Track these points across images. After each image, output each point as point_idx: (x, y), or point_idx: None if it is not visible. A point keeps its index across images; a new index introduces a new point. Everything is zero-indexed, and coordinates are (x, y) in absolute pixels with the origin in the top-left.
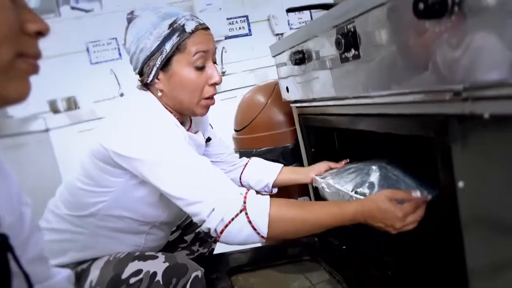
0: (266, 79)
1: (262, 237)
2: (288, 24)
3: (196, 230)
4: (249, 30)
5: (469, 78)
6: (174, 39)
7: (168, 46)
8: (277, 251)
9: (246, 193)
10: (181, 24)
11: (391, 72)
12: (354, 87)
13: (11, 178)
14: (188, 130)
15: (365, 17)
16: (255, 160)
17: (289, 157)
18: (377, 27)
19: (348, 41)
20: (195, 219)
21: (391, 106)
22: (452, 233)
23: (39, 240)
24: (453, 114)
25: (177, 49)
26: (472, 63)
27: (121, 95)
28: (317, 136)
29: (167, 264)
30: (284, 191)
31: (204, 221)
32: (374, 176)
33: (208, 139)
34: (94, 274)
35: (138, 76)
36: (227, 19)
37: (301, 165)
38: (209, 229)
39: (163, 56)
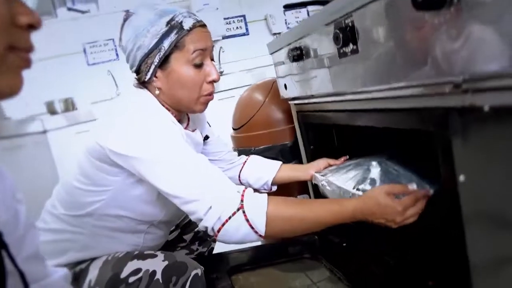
0: (264, 79)
1: (260, 235)
2: (286, 23)
3: (195, 229)
4: (247, 29)
5: (468, 69)
6: (172, 36)
7: (166, 44)
8: (277, 250)
9: (244, 191)
10: (179, 21)
11: (390, 66)
12: (352, 82)
13: (5, 175)
14: (185, 128)
15: (363, 11)
16: (254, 158)
17: (288, 155)
18: (375, 20)
19: (346, 35)
20: (192, 218)
21: (390, 101)
22: (454, 228)
23: (34, 238)
24: (453, 107)
25: (175, 46)
26: (471, 54)
27: (119, 95)
28: (316, 134)
29: (166, 262)
30: (283, 189)
31: (201, 220)
32: (375, 172)
33: (206, 137)
34: (92, 274)
35: (134, 75)
36: (224, 18)
37: (300, 162)
38: (206, 227)
39: (161, 53)
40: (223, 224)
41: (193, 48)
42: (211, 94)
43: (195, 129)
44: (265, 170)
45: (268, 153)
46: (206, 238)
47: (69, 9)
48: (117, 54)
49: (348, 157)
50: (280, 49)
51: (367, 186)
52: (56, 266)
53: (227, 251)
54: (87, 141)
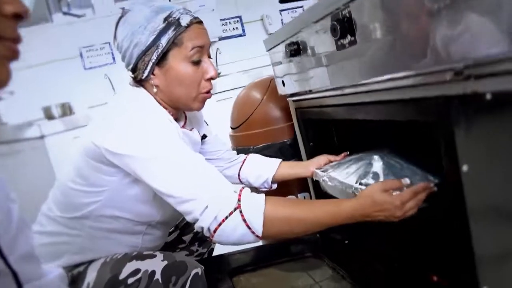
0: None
1: (257, 236)
2: (282, 23)
3: (195, 230)
4: (243, 30)
5: (470, 55)
6: (170, 33)
7: (164, 41)
8: (278, 249)
9: (241, 190)
10: (176, 18)
11: (389, 56)
12: (351, 75)
13: None
14: (183, 127)
15: (360, 1)
16: (253, 156)
17: (287, 152)
18: (373, 10)
19: (344, 27)
20: (188, 218)
21: (390, 92)
22: (458, 220)
23: (28, 238)
24: (454, 95)
25: (173, 43)
26: (472, 40)
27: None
28: (315, 130)
29: (165, 262)
30: (283, 187)
31: (197, 220)
32: (377, 165)
33: (204, 136)
34: (91, 276)
35: (130, 73)
36: (221, 20)
37: (300, 160)
38: (202, 228)
39: (159, 50)
40: (219, 224)
41: (191, 45)
42: (209, 92)
43: (193, 128)
44: (265, 168)
45: (267, 152)
46: (205, 238)
47: (65, 13)
48: (113, 58)
49: (348, 152)
50: (277, 45)
51: (369, 180)
52: None
53: (227, 252)
54: (83, 141)
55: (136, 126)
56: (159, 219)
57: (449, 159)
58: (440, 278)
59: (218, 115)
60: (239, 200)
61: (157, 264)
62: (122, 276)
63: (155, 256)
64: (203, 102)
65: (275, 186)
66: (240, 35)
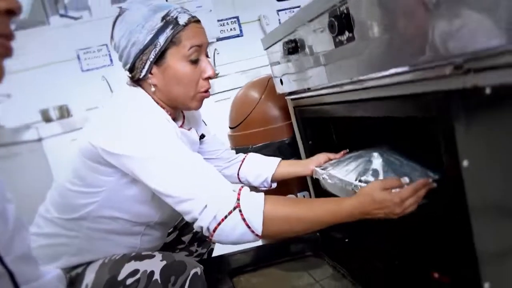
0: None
1: (257, 235)
2: (279, 23)
3: (194, 230)
4: (240, 31)
5: (469, 49)
6: (168, 32)
7: (161, 39)
8: (278, 249)
9: (240, 190)
10: (174, 17)
11: (388, 51)
12: (350, 72)
13: None
14: (181, 126)
15: None
16: (253, 155)
17: (286, 151)
18: (370, 5)
19: (342, 23)
20: (187, 218)
21: (389, 88)
22: (459, 216)
23: (25, 238)
24: (454, 90)
25: (171, 42)
26: (471, 33)
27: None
28: (314, 129)
29: (164, 262)
30: (283, 187)
31: (196, 219)
32: (377, 162)
33: (202, 136)
34: (89, 277)
35: (127, 73)
36: (218, 20)
37: (299, 159)
38: (201, 227)
39: (157, 49)
40: (218, 224)
41: (190, 44)
42: (207, 91)
43: (191, 128)
44: (264, 167)
45: (266, 151)
46: (205, 238)
47: (62, 15)
48: (111, 60)
49: (348, 150)
50: (275, 43)
51: (369, 177)
52: None
53: (227, 253)
54: (80, 142)
55: (133, 125)
56: (157, 220)
57: (449, 155)
58: (441, 275)
59: (216, 116)
60: (238, 199)
61: (156, 264)
62: (120, 277)
63: (154, 256)
64: (201, 101)
65: (274, 185)
66: (237, 36)
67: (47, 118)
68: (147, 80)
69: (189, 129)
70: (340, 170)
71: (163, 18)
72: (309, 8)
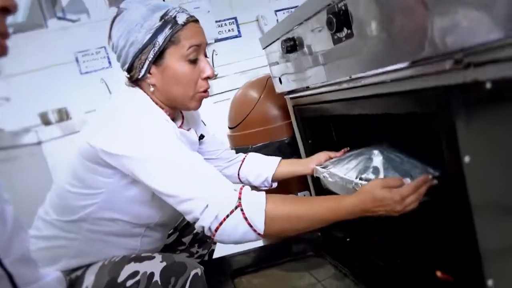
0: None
1: (259, 234)
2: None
3: (194, 231)
4: (239, 31)
5: (469, 43)
6: (167, 31)
7: (160, 39)
8: (280, 249)
9: (241, 189)
10: (173, 16)
11: (387, 47)
12: (349, 69)
13: None
14: (180, 127)
15: None
16: (253, 155)
17: (286, 151)
18: (369, 1)
19: (340, 20)
20: (188, 218)
21: (389, 85)
22: (461, 213)
23: (24, 240)
24: (454, 85)
25: (170, 41)
26: (471, 27)
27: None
28: (314, 128)
29: (164, 263)
30: (283, 186)
31: (197, 219)
32: (377, 160)
33: (201, 137)
34: (89, 280)
35: (126, 73)
36: (216, 21)
37: (299, 158)
38: (203, 227)
39: (156, 49)
40: (220, 223)
41: (188, 44)
42: (206, 91)
43: (190, 128)
44: (265, 166)
45: (266, 151)
46: (205, 239)
47: (59, 18)
48: (109, 62)
49: (348, 148)
50: (273, 42)
51: (370, 175)
52: None
53: (228, 254)
54: (78, 142)
55: (132, 126)
56: (157, 221)
57: (450, 151)
58: (444, 273)
59: (215, 117)
60: (239, 199)
61: (155, 266)
62: (120, 278)
63: (153, 257)
64: (200, 101)
65: (275, 184)
66: (236, 36)
67: (46, 121)
68: (145, 80)
69: (188, 130)
70: (340, 168)
71: (162, 17)
72: (307, 6)
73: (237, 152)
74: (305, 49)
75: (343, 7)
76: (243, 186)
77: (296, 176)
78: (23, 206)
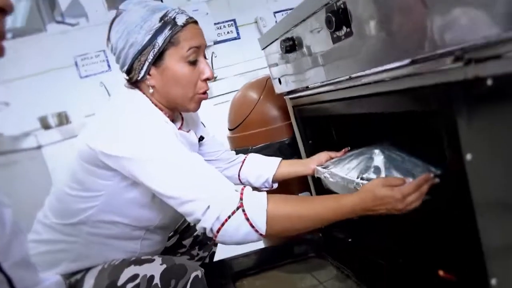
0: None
1: (261, 234)
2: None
3: (195, 234)
4: (238, 33)
5: (469, 39)
6: (166, 32)
7: (160, 40)
8: (281, 251)
9: (242, 189)
10: (172, 17)
11: (387, 45)
12: (349, 68)
13: None
14: (180, 128)
15: None
16: (253, 156)
17: (286, 152)
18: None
19: (339, 18)
20: (189, 219)
21: (389, 83)
22: (463, 211)
23: (23, 243)
24: (455, 81)
25: (169, 42)
26: (471, 23)
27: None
28: (314, 128)
29: (164, 266)
30: (283, 187)
31: (199, 221)
32: (378, 159)
33: (201, 138)
34: (88, 284)
35: (124, 75)
36: (215, 24)
37: (300, 159)
38: (204, 228)
39: (155, 50)
40: (222, 224)
41: (188, 46)
42: (205, 93)
43: (189, 130)
44: (265, 167)
45: (266, 151)
46: (206, 241)
47: (58, 22)
48: (109, 65)
49: (349, 148)
50: (272, 42)
51: (371, 175)
52: None
53: (229, 256)
54: (78, 144)
55: (131, 127)
56: (157, 223)
57: (451, 149)
58: (446, 272)
59: (215, 119)
60: (241, 199)
61: (155, 268)
62: (120, 282)
63: (153, 260)
64: (199, 103)
65: (275, 185)
66: (235, 38)
67: (46, 125)
68: (145, 82)
69: (188, 131)
70: (341, 168)
71: (161, 18)
72: (306, 5)
73: (237, 154)
74: (304, 48)
75: (342, 6)
76: (244, 186)
77: (297, 177)
78: (24, 210)
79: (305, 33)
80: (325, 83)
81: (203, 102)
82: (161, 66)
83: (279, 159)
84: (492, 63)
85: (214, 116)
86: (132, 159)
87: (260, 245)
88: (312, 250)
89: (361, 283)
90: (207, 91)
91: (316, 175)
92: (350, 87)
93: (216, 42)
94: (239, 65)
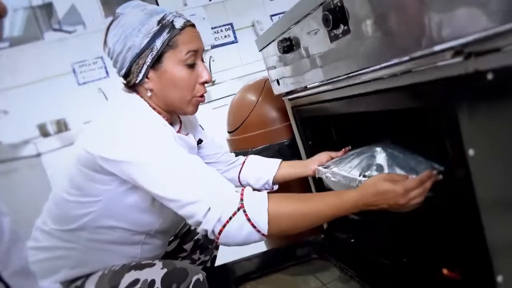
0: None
1: (263, 234)
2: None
3: (195, 238)
4: (235, 37)
5: (469, 32)
6: (164, 35)
7: (158, 43)
8: (283, 254)
9: (243, 190)
10: (170, 21)
11: (385, 42)
12: (347, 66)
13: None
14: (178, 131)
15: None
16: (253, 158)
17: (286, 153)
18: None
19: (336, 16)
20: (190, 222)
21: (388, 80)
22: (466, 208)
23: (22, 251)
24: (456, 76)
25: (168, 45)
26: (470, 16)
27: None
28: (313, 129)
29: (165, 270)
30: (285, 188)
31: (200, 223)
32: (380, 157)
33: (200, 141)
34: None
35: (122, 79)
36: (212, 28)
37: (300, 160)
38: (206, 230)
39: (154, 53)
40: (224, 226)
41: (186, 49)
42: (203, 96)
43: (188, 133)
44: (265, 169)
45: (266, 153)
46: (207, 245)
47: (56, 29)
48: (107, 72)
49: (350, 147)
50: (269, 43)
51: (373, 172)
52: None
53: (232, 261)
54: (76, 149)
55: (130, 131)
56: (158, 228)
57: (453, 145)
58: (451, 270)
59: (214, 123)
60: (241, 200)
61: (156, 273)
62: (121, 287)
63: (154, 264)
64: (197, 106)
65: (276, 187)
66: (232, 42)
67: (45, 133)
68: (143, 85)
69: (186, 135)
70: (343, 167)
71: (159, 21)
72: (302, 4)
73: (237, 156)
74: (302, 48)
75: (338, 3)
76: (245, 187)
77: (298, 178)
78: (23, 218)
79: (302, 32)
80: (323, 82)
81: (202, 107)
82: (160, 69)
83: (279, 160)
84: (492, 56)
85: (213, 120)
86: (132, 163)
87: (262, 247)
88: (314, 251)
89: (364, 284)
90: (204, 94)
91: (317, 176)
92: (349, 85)
93: (213, 46)
94: (237, 69)
